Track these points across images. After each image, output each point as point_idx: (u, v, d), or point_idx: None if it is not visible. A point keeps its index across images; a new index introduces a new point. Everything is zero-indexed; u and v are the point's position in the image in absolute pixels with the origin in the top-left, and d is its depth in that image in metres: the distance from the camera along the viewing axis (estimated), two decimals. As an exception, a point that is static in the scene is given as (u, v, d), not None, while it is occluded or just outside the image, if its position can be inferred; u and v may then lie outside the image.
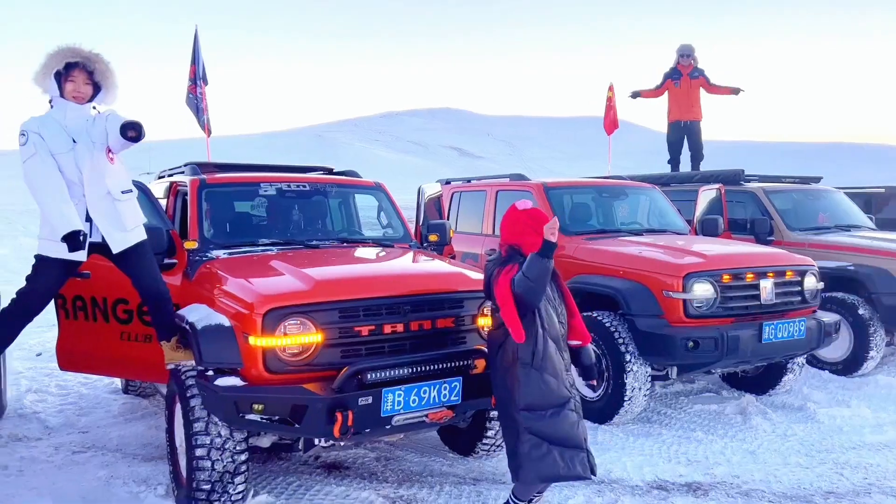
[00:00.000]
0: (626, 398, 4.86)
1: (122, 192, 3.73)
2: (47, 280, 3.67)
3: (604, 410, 4.94)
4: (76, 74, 3.60)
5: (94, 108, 3.71)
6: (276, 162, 6.05)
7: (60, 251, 3.56)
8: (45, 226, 3.61)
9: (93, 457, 4.44)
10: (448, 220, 6.65)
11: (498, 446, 4.27)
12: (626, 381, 4.82)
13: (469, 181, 7.40)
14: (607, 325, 4.91)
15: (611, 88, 10.33)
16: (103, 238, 3.68)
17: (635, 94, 10.13)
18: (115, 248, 3.69)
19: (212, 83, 7.48)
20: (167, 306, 3.87)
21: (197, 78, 7.20)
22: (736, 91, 9.71)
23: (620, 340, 4.85)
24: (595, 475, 3.27)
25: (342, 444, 3.60)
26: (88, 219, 3.63)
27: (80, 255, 3.60)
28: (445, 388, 3.41)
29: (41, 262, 3.65)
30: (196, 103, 7.29)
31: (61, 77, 3.58)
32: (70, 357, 4.50)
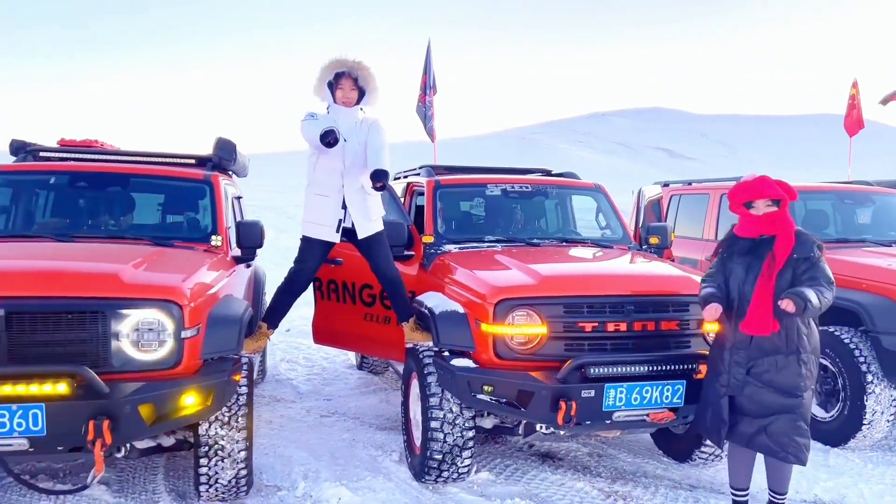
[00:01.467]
0: (865, 422, 4.44)
1: (372, 188, 4.24)
2: (311, 259, 4.26)
3: (838, 432, 4.56)
4: (343, 82, 4.14)
5: (361, 109, 4.24)
6: (486, 164, 6.37)
7: (319, 233, 4.14)
8: (308, 211, 4.19)
9: (337, 421, 5.08)
10: (667, 222, 6.53)
11: (717, 455, 4.17)
12: (866, 403, 4.41)
13: (690, 184, 7.18)
14: (846, 341, 4.52)
15: (854, 85, 9.33)
16: (353, 224, 4.19)
17: (886, 100, 8.93)
18: (361, 234, 4.18)
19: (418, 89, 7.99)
20: (401, 290, 4.30)
21: (427, 88, 7.80)
22: None
23: (861, 359, 4.45)
24: (721, 447, 3.63)
25: (561, 433, 3.74)
26: (344, 206, 4.16)
27: (334, 237, 4.15)
28: (668, 390, 3.46)
29: (305, 242, 4.24)
30: (424, 111, 7.90)
31: (332, 86, 4.15)
32: (323, 333, 5.19)
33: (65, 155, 4.98)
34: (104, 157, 5.02)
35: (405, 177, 6.07)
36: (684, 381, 3.47)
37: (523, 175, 5.75)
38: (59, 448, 2.99)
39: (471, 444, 3.74)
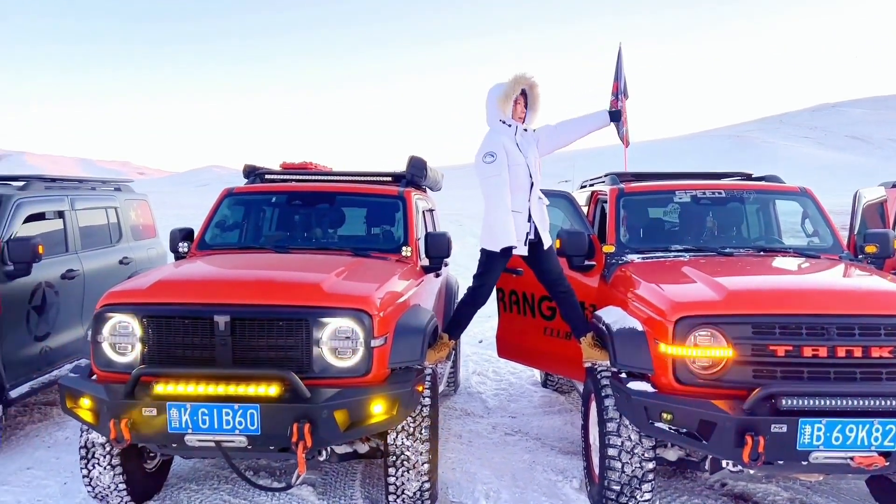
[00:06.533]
0: None
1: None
2: (493, 272, 4.38)
3: None
4: (521, 98, 4.26)
5: (526, 129, 4.33)
6: (690, 166, 6.08)
7: (497, 245, 4.24)
8: (494, 226, 4.27)
9: (519, 440, 5.08)
10: (893, 229, 5.75)
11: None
12: None
13: (924, 183, 6.20)
14: None
15: None
16: (536, 235, 4.28)
17: None
18: (546, 244, 4.27)
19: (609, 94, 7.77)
20: (574, 300, 4.29)
21: (619, 93, 7.60)
22: None
23: None
24: None
25: (751, 472, 3.36)
26: (530, 219, 4.25)
27: (523, 250, 4.25)
28: (877, 431, 2.99)
29: (488, 255, 4.35)
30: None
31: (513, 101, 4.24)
32: (506, 346, 5.29)
33: (285, 176, 5.62)
34: (316, 177, 5.59)
35: (591, 185, 6.01)
36: (899, 421, 2.95)
37: (719, 179, 5.41)
38: (270, 447, 3.30)
39: (651, 476, 3.51)
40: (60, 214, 5.70)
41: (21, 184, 5.55)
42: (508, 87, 4.22)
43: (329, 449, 3.57)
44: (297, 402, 3.19)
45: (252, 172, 5.66)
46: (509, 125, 4.27)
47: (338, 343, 3.33)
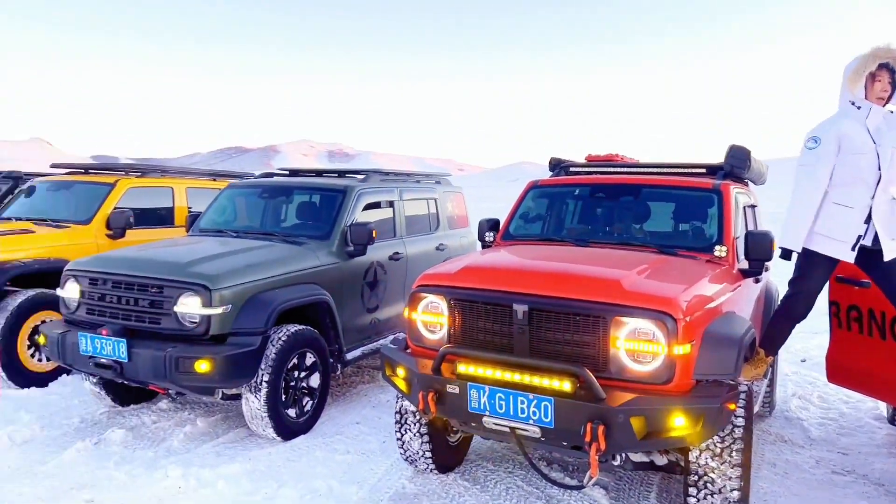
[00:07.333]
0: None
1: None
2: (813, 278, 3.75)
3: None
4: (883, 74, 3.56)
5: (892, 111, 3.59)
6: None
7: (830, 248, 3.62)
8: (820, 221, 3.67)
9: (852, 482, 4.27)
10: None
11: None
12: None
13: None
14: None
15: None
16: (873, 242, 3.55)
17: None
18: (888, 255, 3.52)
19: None
20: None
21: None
22: None
23: None
24: None
25: None
26: (868, 220, 3.54)
27: (849, 255, 3.58)
28: None
29: (808, 257, 3.74)
30: None
31: (870, 78, 3.60)
32: (840, 370, 4.46)
33: (590, 169, 5.55)
34: (620, 169, 5.40)
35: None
36: None
37: None
38: (563, 443, 3.25)
39: None
40: (391, 204, 6.41)
41: (362, 177, 6.39)
42: (860, 62, 3.55)
43: (624, 454, 3.41)
44: (592, 402, 3.08)
45: (557, 165, 5.70)
46: (859, 107, 3.59)
47: (636, 345, 3.13)
